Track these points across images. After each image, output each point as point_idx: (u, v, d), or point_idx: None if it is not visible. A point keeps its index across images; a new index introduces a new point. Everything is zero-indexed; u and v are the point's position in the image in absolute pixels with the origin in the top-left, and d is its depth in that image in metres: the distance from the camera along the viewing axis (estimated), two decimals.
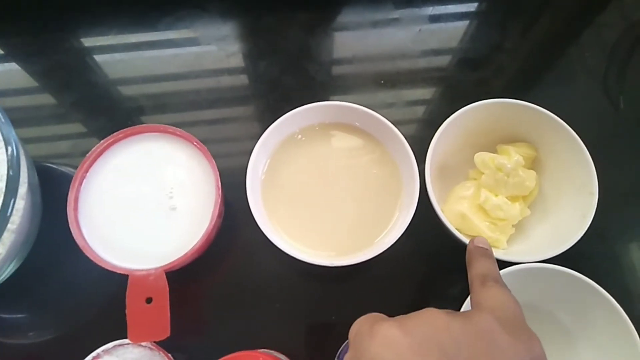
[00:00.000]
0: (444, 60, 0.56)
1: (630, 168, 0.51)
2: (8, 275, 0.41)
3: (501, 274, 0.38)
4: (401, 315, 0.25)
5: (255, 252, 0.46)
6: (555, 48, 0.58)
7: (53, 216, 0.43)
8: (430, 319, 0.24)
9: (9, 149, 0.36)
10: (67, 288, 0.44)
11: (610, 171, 0.43)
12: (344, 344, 0.39)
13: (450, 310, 0.25)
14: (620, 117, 0.54)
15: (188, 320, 0.43)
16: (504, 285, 0.29)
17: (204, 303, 0.45)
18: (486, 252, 0.32)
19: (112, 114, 0.52)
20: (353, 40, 0.57)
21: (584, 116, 0.47)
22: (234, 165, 0.43)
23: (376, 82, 0.54)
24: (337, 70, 0.56)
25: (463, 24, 0.58)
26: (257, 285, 0.45)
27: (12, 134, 0.37)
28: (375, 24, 0.57)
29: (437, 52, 0.56)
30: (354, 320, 0.26)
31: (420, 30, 0.57)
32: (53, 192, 0.44)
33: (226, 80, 0.54)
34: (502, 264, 0.38)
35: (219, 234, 0.44)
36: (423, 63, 0.56)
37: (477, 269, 0.30)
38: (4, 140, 0.36)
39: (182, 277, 0.43)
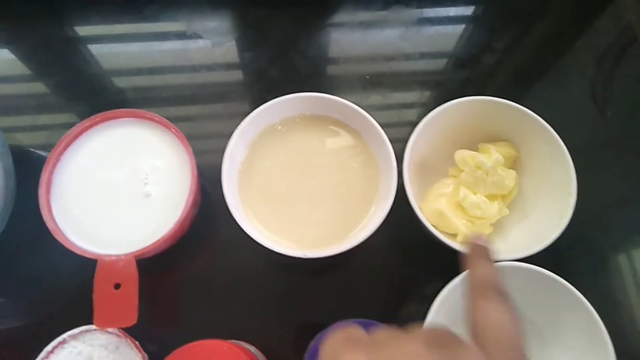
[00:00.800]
0: (432, 62, 0.56)
1: (611, 174, 0.51)
2: None
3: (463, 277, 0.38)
4: (377, 336, 0.23)
5: (231, 244, 0.45)
6: (546, 52, 0.57)
7: (27, 201, 0.42)
8: (407, 354, 0.21)
9: None
10: (36, 273, 0.44)
11: (591, 176, 0.43)
12: (313, 341, 0.38)
13: (435, 334, 0.22)
14: (607, 124, 0.53)
15: (158, 310, 0.43)
16: (505, 299, 0.25)
17: (176, 293, 0.44)
18: (487, 252, 0.28)
19: (93, 101, 0.51)
20: (341, 37, 0.56)
21: (569, 121, 0.47)
22: (214, 158, 0.42)
23: (362, 79, 0.53)
24: (323, 65, 0.55)
25: (454, 28, 0.58)
26: (231, 278, 0.44)
27: None
28: (365, 23, 0.57)
29: (425, 54, 0.56)
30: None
31: (409, 30, 0.57)
32: (29, 177, 0.43)
33: (211, 72, 0.53)
34: None
35: (195, 223, 0.44)
36: (411, 64, 0.56)
37: (477, 274, 0.27)
38: None
39: (154, 266, 0.42)
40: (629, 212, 0.49)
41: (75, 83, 0.52)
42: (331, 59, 0.56)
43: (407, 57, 0.56)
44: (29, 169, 0.43)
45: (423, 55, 0.56)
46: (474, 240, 0.29)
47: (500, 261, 0.38)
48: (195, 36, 0.55)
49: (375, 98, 0.53)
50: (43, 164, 0.40)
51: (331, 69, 0.55)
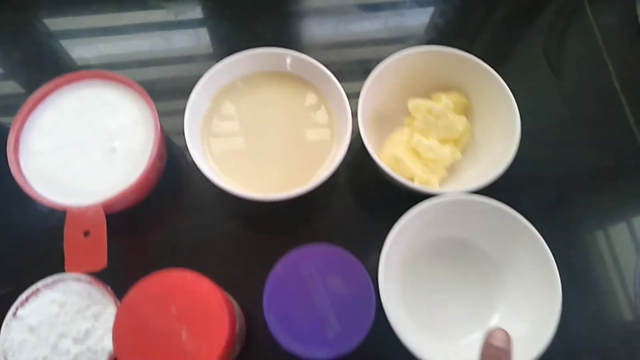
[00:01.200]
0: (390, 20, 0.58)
1: (557, 120, 0.54)
2: None
3: (423, 208, 0.40)
4: None
5: (198, 200, 0.47)
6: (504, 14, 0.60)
7: None
8: None
9: None
10: (6, 227, 0.45)
11: (537, 121, 0.45)
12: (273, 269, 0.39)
13: None
14: (559, 82, 0.56)
15: (128, 261, 0.44)
16: None
17: (147, 247, 0.46)
18: (500, 358, 0.28)
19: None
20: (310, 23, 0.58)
21: (522, 77, 0.50)
22: (178, 120, 0.43)
23: (327, 43, 0.55)
24: (286, 28, 0.57)
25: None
26: (198, 232, 0.46)
27: None
28: None
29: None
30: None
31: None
32: None
33: (175, 38, 0.55)
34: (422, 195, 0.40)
35: (162, 181, 0.46)
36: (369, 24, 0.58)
37: None
38: None
39: (124, 225, 0.44)
40: (572, 152, 0.52)
41: (38, 56, 0.54)
42: (294, 19, 0.57)
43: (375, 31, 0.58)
44: None
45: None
46: (490, 341, 0.29)
47: (452, 193, 0.41)
48: (157, 6, 0.56)
49: (333, 53, 0.55)
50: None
51: (295, 32, 0.57)
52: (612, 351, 0.44)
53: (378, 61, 0.45)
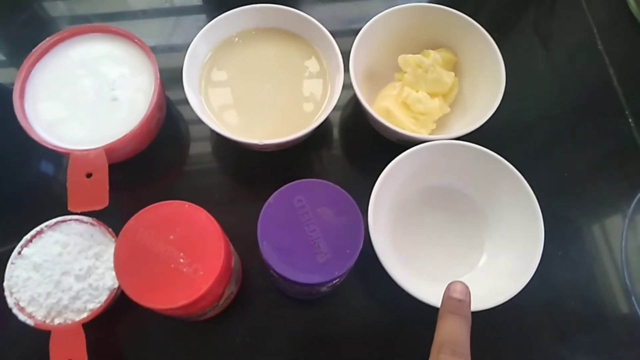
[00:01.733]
0: None
1: (543, 80, 0.56)
2: None
3: (411, 152, 0.41)
4: None
5: (196, 151, 0.49)
6: None
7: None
8: None
9: None
10: (12, 172, 0.47)
11: (524, 81, 0.47)
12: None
13: None
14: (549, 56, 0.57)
15: (128, 207, 0.45)
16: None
17: (145, 193, 0.47)
18: (459, 308, 0.30)
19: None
20: None
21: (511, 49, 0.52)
22: (178, 76, 0.44)
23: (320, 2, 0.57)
24: None
25: None
26: (196, 182, 0.48)
27: None
28: None
29: None
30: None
31: None
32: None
33: None
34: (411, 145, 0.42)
35: (162, 133, 0.47)
36: None
37: (439, 333, 0.29)
38: None
39: (124, 171, 0.46)
40: (559, 116, 0.54)
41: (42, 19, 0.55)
42: None
43: None
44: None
45: None
46: (450, 293, 0.31)
47: (439, 139, 0.42)
48: None
49: (327, 10, 0.57)
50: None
51: None
52: (592, 298, 0.46)
53: (370, 19, 0.47)
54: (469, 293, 0.32)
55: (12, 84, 0.43)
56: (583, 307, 0.45)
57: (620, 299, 0.46)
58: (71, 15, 0.55)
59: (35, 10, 0.55)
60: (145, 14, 0.56)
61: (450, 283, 0.32)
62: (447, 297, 0.31)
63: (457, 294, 0.31)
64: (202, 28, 0.45)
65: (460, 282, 0.32)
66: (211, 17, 0.46)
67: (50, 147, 0.41)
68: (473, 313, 0.37)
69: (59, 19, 0.55)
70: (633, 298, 0.45)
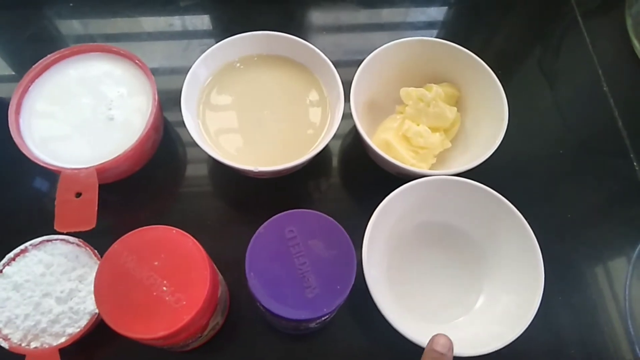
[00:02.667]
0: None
1: (540, 100, 0.55)
2: None
3: (409, 186, 0.40)
4: None
5: (191, 175, 0.48)
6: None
7: None
8: None
9: None
10: (1, 187, 0.46)
11: (522, 110, 0.47)
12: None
13: None
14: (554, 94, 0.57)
15: (117, 229, 0.44)
16: None
17: (135, 216, 0.46)
18: None
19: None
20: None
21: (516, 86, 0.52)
22: (176, 99, 0.44)
23: (324, 32, 0.57)
24: (288, 15, 0.59)
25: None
26: (189, 206, 0.47)
27: None
28: None
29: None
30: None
31: None
32: None
33: (177, 22, 0.57)
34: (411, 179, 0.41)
35: (157, 155, 0.47)
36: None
37: None
38: None
39: (116, 193, 0.45)
40: (561, 153, 0.53)
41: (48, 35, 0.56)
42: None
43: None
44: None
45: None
46: (433, 346, 0.31)
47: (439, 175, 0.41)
48: None
49: (331, 40, 0.57)
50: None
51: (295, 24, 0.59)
52: (594, 345, 0.44)
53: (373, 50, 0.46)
54: (452, 348, 0.32)
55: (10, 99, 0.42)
56: (584, 355, 0.43)
57: (624, 347, 0.44)
58: (77, 35, 0.56)
59: (43, 27, 0.56)
60: (151, 36, 0.56)
61: (435, 335, 0.32)
62: (429, 349, 0.32)
63: (439, 347, 0.31)
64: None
65: (444, 335, 0.32)
66: (217, 42, 0.46)
67: (41, 164, 0.40)
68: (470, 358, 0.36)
69: (65, 37, 0.55)
70: (637, 347, 0.43)
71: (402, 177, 0.44)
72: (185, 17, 0.57)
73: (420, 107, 0.46)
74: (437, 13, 0.61)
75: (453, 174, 0.42)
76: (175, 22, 0.57)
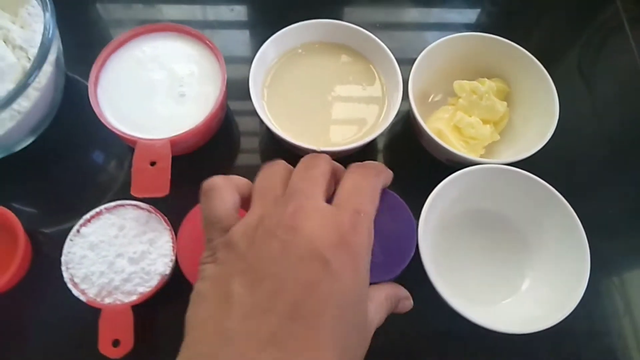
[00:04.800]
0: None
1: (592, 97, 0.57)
2: (36, 136, 0.47)
3: (463, 172, 0.42)
4: (292, 184, 0.30)
5: (249, 150, 0.51)
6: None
7: (70, 105, 0.49)
8: (309, 210, 0.28)
9: (46, 14, 0.41)
10: (79, 154, 0.49)
11: (572, 106, 0.48)
12: None
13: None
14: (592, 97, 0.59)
15: (185, 199, 0.47)
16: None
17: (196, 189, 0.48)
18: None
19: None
20: None
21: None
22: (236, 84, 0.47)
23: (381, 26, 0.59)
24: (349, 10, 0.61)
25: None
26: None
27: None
28: None
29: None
30: None
31: None
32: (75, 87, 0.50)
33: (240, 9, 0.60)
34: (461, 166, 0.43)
35: (219, 132, 0.49)
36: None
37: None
38: (42, 5, 0.41)
39: (182, 166, 0.47)
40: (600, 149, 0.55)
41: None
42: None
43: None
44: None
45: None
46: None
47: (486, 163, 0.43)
48: None
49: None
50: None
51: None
52: (630, 336, 0.45)
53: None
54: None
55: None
56: (620, 345, 0.45)
57: None
58: (143, 19, 0.58)
59: (111, 10, 0.59)
60: (207, 24, 0.58)
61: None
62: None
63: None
64: (265, 41, 0.48)
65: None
66: (274, 31, 0.48)
67: (118, 133, 0.43)
68: (512, 335, 0.38)
69: (131, 21, 0.58)
70: None
71: (451, 164, 0.46)
72: (241, 6, 0.60)
73: (473, 99, 0.48)
74: (478, 15, 0.63)
75: (504, 164, 0.44)
76: (235, 10, 0.59)
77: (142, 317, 0.40)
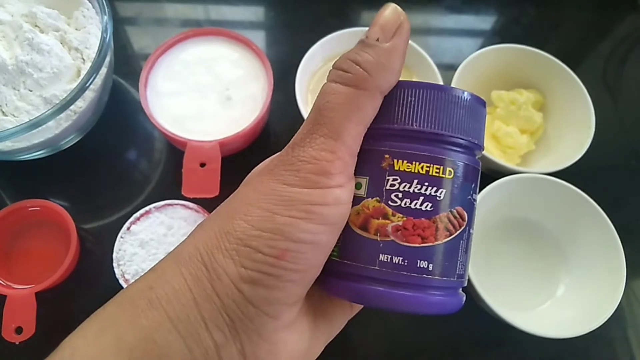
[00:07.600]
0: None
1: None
2: (82, 135, 0.47)
3: (504, 181, 0.44)
4: None
5: None
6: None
7: (113, 105, 0.50)
8: None
9: (104, 17, 0.42)
10: (131, 155, 0.50)
11: (599, 117, 0.50)
12: None
13: None
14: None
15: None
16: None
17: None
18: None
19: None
20: None
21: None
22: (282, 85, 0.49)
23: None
24: None
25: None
26: None
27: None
28: None
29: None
30: None
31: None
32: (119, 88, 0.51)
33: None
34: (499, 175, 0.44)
35: (261, 135, 0.50)
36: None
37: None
38: (100, 8, 0.43)
39: (228, 166, 0.49)
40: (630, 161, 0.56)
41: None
42: None
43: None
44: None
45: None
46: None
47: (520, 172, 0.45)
48: None
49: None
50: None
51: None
52: None
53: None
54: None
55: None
56: None
57: None
58: (185, 19, 0.59)
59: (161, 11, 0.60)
60: (244, 25, 0.60)
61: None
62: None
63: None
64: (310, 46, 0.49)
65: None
66: (318, 39, 0.49)
67: (170, 135, 0.44)
68: (547, 340, 0.39)
69: (172, 20, 0.59)
70: None
71: (489, 172, 0.47)
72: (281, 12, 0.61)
73: (511, 109, 0.49)
74: (498, 23, 0.64)
75: (543, 173, 0.45)
76: (269, 14, 0.61)
77: None
